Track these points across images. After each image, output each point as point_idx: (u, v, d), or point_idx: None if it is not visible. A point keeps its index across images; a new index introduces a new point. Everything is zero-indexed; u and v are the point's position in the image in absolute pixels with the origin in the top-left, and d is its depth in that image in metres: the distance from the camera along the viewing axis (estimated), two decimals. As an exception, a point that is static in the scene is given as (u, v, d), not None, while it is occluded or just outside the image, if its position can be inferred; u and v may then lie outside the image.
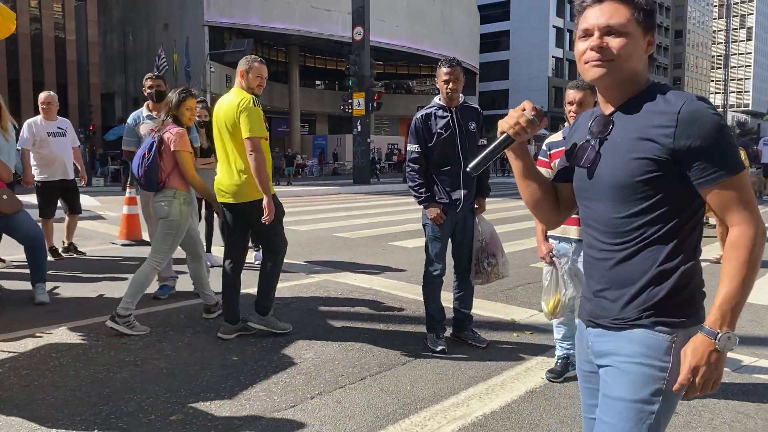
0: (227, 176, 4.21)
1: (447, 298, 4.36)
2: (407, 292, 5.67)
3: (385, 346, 4.16)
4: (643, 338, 1.49)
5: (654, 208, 1.46)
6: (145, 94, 5.36)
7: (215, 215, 6.85)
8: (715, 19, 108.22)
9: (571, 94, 3.38)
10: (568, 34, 66.81)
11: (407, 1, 42.09)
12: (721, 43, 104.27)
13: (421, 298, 4.32)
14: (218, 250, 6.96)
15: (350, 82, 22.60)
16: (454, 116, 4.03)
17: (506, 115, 1.59)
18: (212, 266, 6.58)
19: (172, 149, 4.38)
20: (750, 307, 5.25)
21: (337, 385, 3.47)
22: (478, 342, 4.20)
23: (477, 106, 4.21)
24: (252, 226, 4.34)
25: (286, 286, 5.69)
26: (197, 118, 6.18)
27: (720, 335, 1.40)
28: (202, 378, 3.55)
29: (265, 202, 4.05)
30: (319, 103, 46.67)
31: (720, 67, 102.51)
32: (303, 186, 24.80)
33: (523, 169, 1.69)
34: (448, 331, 4.32)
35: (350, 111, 22.49)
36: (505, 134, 1.58)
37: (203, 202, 6.64)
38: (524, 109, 1.57)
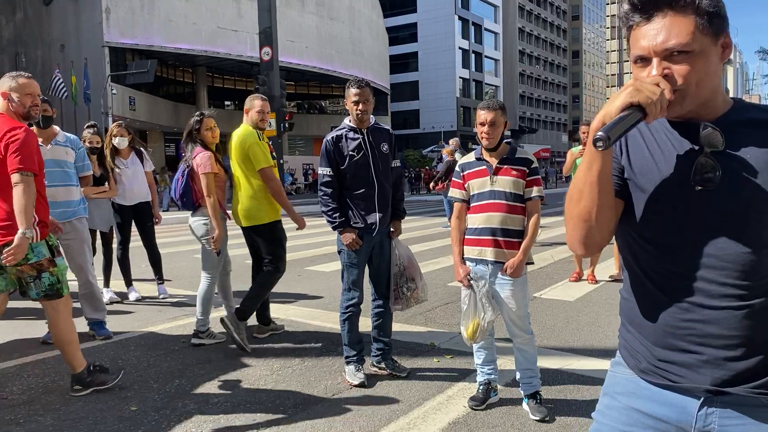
0: (239, 202, 4.66)
1: (365, 325, 4.17)
2: (325, 321, 5.43)
3: (301, 383, 3.91)
4: None
5: None
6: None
7: (113, 249, 6.37)
8: (608, 40, 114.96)
9: (482, 115, 3.30)
10: (473, 55, 68.93)
11: (316, 23, 42.04)
12: (615, 62, 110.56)
13: (339, 326, 4.10)
14: (117, 284, 6.48)
15: (260, 102, 22.19)
16: (366, 138, 3.87)
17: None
18: (111, 302, 6.10)
19: (200, 173, 4.62)
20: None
21: (248, 432, 3.18)
22: (399, 371, 4.03)
23: (388, 127, 4.07)
24: (258, 247, 4.83)
25: (191, 322, 5.31)
26: (88, 145, 5.73)
27: None
28: (95, 434, 3.17)
29: (291, 217, 4.77)
30: (229, 123, 45.02)
31: (614, 86, 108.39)
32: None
33: (607, 167, 1.26)
34: (368, 362, 4.13)
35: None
36: (638, 111, 1.16)
37: (97, 234, 6.15)
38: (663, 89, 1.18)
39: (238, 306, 4.63)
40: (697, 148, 1.23)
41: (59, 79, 28.78)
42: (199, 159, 4.63)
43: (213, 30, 35.45)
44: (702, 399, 1.25)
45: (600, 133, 1.12)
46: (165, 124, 36.58)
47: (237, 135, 4.66)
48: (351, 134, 3.88)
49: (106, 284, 6.29)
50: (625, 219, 1.33)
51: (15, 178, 3.23)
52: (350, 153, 3.84)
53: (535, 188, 3.32)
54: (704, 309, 1.22)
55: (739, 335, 1.20)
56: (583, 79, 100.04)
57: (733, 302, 1.20)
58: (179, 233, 13.15)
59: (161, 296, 6.42)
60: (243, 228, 4.77)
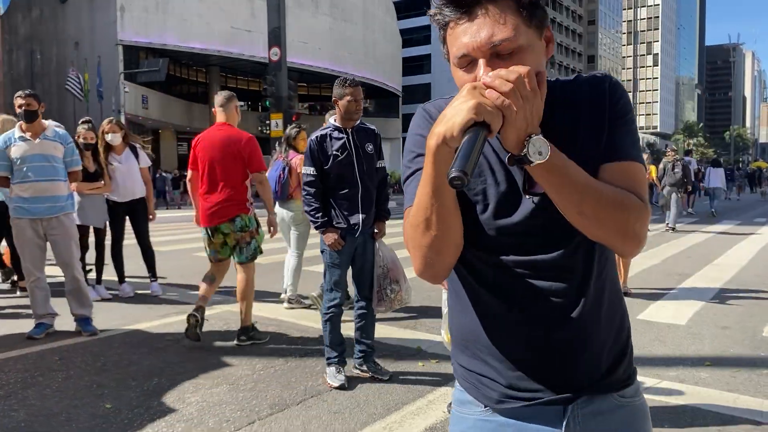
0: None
1: (349, 327, 4.12)
2: (314, 321, 5.38)
3: (282, 383, 3.86)
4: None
5: None
6: (17, 113, 4.86)
7: (105, 245, 6.37)
8: (624, 45, 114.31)
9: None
10: None
11: (329, 24, 42.13)
12: (630, 68, 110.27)
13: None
14: (110, 281, 6.47)
15: (267, 102, 22.17)
16: (351, 138, 3.82)
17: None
18: (103, 299, 6.10)
19: (298, 171, 5.48)
20: (652, 326, 5.28)
21: (219, 433, 3.14)
22: (380, 374, 3.97)
23: (374, 128, 4.02)
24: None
25: (180, 320, 5.27)
26: (82, 140, 5.73)
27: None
28: (66, 432, 3.14)
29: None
30: (242, 123, 45.63)
31: (630, 91, 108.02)
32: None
33: (444, 186, 1.05)
34: (351, 364, 4.08)
35: (268, 132, 22.03)
36: (481, 127, 0.95)
37: (90, 230, 6.14)
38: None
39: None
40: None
41: (75, 77, 29.01)
42: (298, 160, 5.60)
43: (227, 30, 35.61)
44: (562, 412, 1.17)
45: (455, 172, 0.89)
46: (178, 123, 36.77)
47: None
48: (336, 134, 3.84)
49: (98, 281, 6.29)
50: None
51: (258, 176, 4.74)
52: (334, 152, 3.79)
53: None
54: (544, 316, 1.15)
55: (580, 337, 1.15)
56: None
57: (571, 306, 1.14)
58: (175, 231, 13.18)
59: (153, 293, 6.41)
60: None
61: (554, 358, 1.15)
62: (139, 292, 6.52)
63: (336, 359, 3.92)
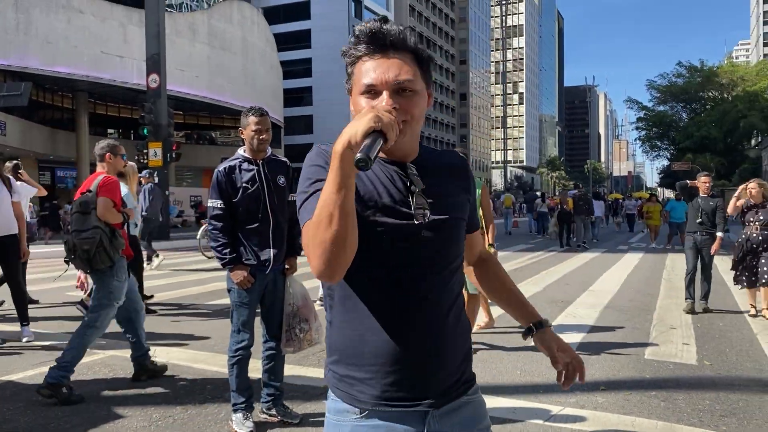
0: None
1: (255, 368, 3.90)
2: (211, 365, 5.08)
3: (183, 434, 3.57)
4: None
5: None
6: None
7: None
8: (492, 84, 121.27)
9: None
10: None
11: (207, 52, 41.21)
12: (499, 105, 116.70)
13: (227, 370, 3.81)
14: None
15: (145, 130, 21.15)
16: (261, 169, 3.67)
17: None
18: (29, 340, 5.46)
19: None
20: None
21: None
22: (290, 418, 3.79)
23: (286, 159, 3.90)
24: None
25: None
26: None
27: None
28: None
29: None
30: (112, 153, 43.36)
31: (499, 127, 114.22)
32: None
33: (353, 191, 1.23)
34: (258, 408, 3.86)
35: (146, 161, 20.99)
36: (378, 136, 1.19)
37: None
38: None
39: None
40: (408, 184, 1.36)
41: None
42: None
43: (96, 55, 33.77)
44: (424, 413, 1.37)
45: (360, 154, 1.15)
46: (40, 151, 34.16)
47: None
48: (245, 165, 3.67)
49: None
50: None
51: None
52: (244, 185, 3.62)
53: None
54: (418, 329, 1.34)
55: (445, 349, 1.36)
56: (470, 120, 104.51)
57: (441, 320, 1.36)
58: (49, 268, 12.11)
59: (25, 339, 5.77)
60: None
61: (423, 368, 1.34)
62: (3, 338, 5.85)
63: (243, 405, 3.69)
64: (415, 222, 1.34)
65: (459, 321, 1.41)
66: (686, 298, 7.72)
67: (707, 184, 7.85)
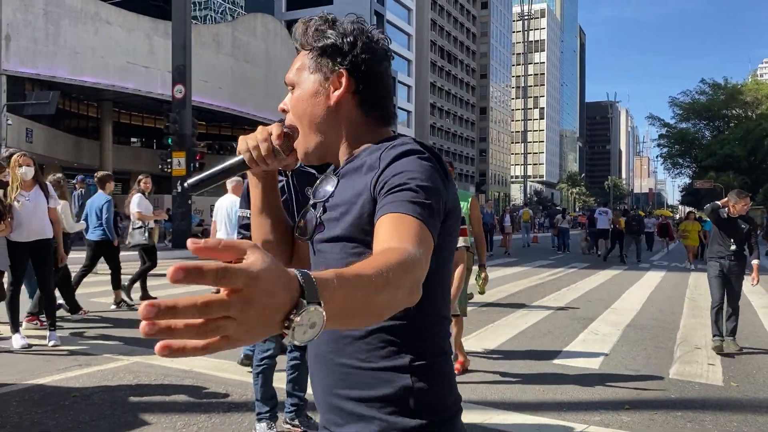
0: None
1: (279, 378, 3.93)
2: (234, 374, 5.11)
3: (208, 442, 3.60)
4: None
5: None
6: None
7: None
8: (513, 99, 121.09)
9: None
10: (411, 89, 70.86)
11: (230, 64, 41.72)
12: (520, 120, 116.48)
13: (251, 380, 3.84)
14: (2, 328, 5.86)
15: (169, 140, 21.43)
16: (291, 180, 3.71)
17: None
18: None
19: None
20: (567, 370, 5.43)
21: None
22: (313, 429, 3.80)
23: (314, 171, 3.93)
24: None
25: (86, 374, 4.86)
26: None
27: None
28: None
29: None
30: (135, 161, 43.88)
31: (519, 142, 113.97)
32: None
33: (260, 203, 1.34)
34: (281, 418, 3.88)
35: (169, 170, 21.24)
36: (241, 158, 1.22)
37: None
38: (271, 134, 1.20)
39: None
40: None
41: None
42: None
43: (122, 65, 34.38)
44: None
45: (186, 184, 1.21)
46: (64, 159, 34.75)
47: None
48: (273, 177, 3.72)
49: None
50: None
51: None
52: (272, 196, 3.66)
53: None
54: (338, 359, 1.18)
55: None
56: (489, 134, 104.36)
57: (359, 350, 1.17)
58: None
59: (51, 344, 5.85)
60: None
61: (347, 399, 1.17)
62: (32, 342, 5.94)
63: (267, 414, 3.71)
64: (305, 239, 1.27)
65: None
66: (714, 335, 6.48)
67: (747, 207, 6.54)
